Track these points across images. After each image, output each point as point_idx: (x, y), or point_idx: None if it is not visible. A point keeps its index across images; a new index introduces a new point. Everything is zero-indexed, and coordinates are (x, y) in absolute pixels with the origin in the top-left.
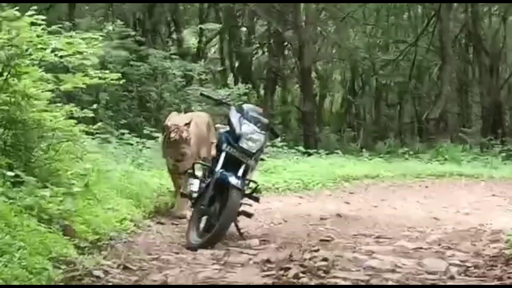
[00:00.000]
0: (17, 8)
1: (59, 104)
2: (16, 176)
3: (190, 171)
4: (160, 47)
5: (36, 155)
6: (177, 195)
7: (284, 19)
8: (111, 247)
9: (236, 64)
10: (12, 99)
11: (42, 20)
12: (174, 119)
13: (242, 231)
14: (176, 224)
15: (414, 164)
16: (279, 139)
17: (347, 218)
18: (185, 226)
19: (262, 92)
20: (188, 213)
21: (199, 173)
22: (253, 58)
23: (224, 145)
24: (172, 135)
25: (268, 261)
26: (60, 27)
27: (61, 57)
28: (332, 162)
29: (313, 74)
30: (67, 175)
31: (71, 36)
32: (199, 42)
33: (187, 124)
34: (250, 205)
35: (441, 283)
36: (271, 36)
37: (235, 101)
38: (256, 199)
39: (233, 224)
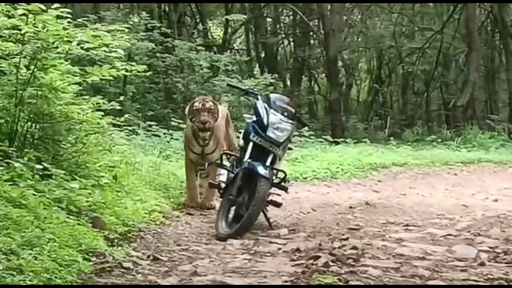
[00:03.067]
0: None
1: (86, 97)
2: (45, 169)
3: (218, 161)
4: (186, 38)
5: (64, 148)
6: (189, 187)
7: (310, 8)
8: (141, 238)
9: (262, 55)
10: (39, 93)
11: (68, 13)
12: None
13: (271, 220)
14: (205, 215)
15: (442, 152)
16: (306, 128)
17: (375, 207)
18: (214, 216)
19: (288, 82)
20: (217, 203)
21: (226, 163)
22: (279, 48)
23: (252, 135)
24: (196, 104)
25: (297, 250)
26: (85, 20)
27: (87, 49)
28: (359, 151)
29: (339, 63)
30: (95, 167)
31: (96, 29)
32: (225, 33)
33: (213, 97)
34: (278, 194)
35: (472, 270)
36: (296, 26)
37: (262, 91)
38: (285, 189)
39: (262, 214)
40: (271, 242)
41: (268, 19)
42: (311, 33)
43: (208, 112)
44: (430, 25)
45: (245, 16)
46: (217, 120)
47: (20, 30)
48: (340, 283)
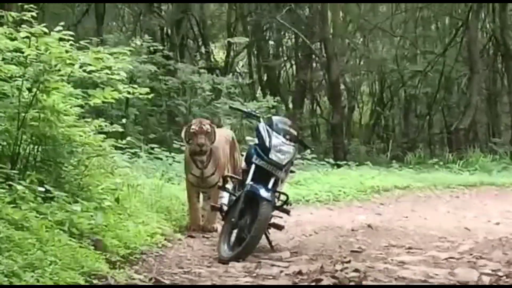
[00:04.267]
0: (45, 24)
1: (88, 119)
2: (47, 191)
3: (219, 184)
4: (188, 61)
5: (66, 170)
6: (191, 210)
7: (312, 31)
8: (143, 261)
9: (264, 78)
10: (42, 115)
11: (70, 36)
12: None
13: (273, 243)
14: (207, 237)
15: (444, 175)
16: (308, 151)
17: (378, 229)
18: (216, 239)
19: (290, 105)
20: (219, 226)
21: (229, 186)
22: (281, 71)
23: (254, 158)
24: (193, 127)
25: (299, 273)
26: (88, 43)
27: (89, 72)
28: (361, 174)
29: (342, 86)
30: (98, 190)
31: (99, 51)
32: (227, 56)
33: (209, 120)
34: (280, 217)
35: None
36: (298, 49)
37: (264, 114)
38: (287, 212)
39: (264, 236)
40: (273, 265)
41: (271, 42)
42: (313, 56)
43: (205, 135)
44: (432, 48)
45: (248, 39)
46: (214, 142)
47: (22, 52)
48: None
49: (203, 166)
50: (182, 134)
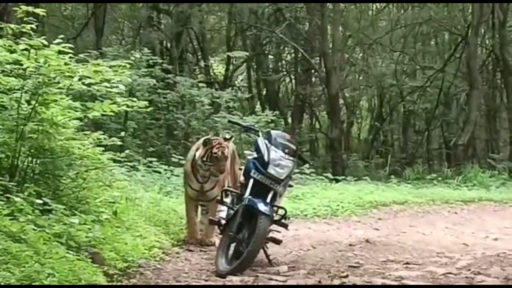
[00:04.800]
0: (44, 37)
1: (87, 132)
2: (45, 204)
3: (218, 198)
4: (187, 75)
5: (65, 183)
6: (189, 223)
7: (311, 46)
8: (140, 274)
9: (264, 92)
10: (40, 128)
11: (70, 48)
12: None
13: (270, 257)
14: (205, 251)
15: (443, 190)
16: (307, 165)
17: (375, 244)
18: (213, 253)
19: (289, 119)
20: (217, 240)
21: (227, 200)
22: (280, 86)
23: (252, 172)
24: (215, 150)
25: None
26: (87, 56)
27: (88, 85)
28: (360, 189)
29: (341, 101)
30: (96, 202)
31: (98, 64)
32: (226, 70)
33: (228, 140)
34: (278, 231)
35: None
36: (298, 63)
37: (263, 129)
38: (285, 226)
39: (261, 250)
40: (270, 279)
41: (270, 57)
42: (313, 70)
43: (226, 160)
44: (431, 63)
45: (247, 53)
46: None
47: (21, 65)
48: None
49: (204, 181)
50: (198, 152)
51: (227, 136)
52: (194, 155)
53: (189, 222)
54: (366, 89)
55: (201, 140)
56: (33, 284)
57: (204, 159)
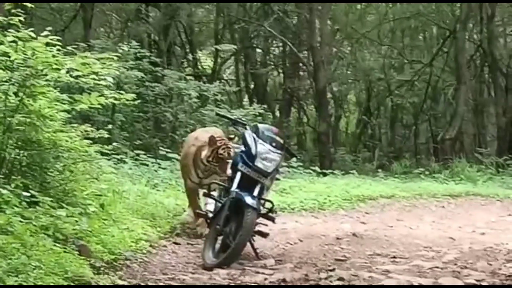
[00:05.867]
0: (32, 29)
1: (74, 125)
2: (32, 196)
3: (205, 191)
4: (175, 68)
5: (52, 175)
6: (194, 204)
7: (299, 39)
8: (127, 267)
9: (252, 85)
10: (28, 120)
11: (57, 41)
12: (204, 134)
13: (257, 250)
14: (192, 244)
15: (430, 184)
16: (294, 159)
17: (362, 238)
18: (200, 246)
19: (277, 113)
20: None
21: (215, 193)
22: (268, 79)
23: (240, 165)
24: (221, 151)
25: (284, 280)
26: (75, 48)
27: (76, 77)
28: (347, 183)
29: (329, 95)
30: (83, 195)
31: (86, 57)
32: (214, 63)
33: (232, 139)
34: (265, 225)
35: None
36: (286, 57)
37: (251, 122)
38: (272, 219)
39: (248, 243)
40: (257, 272)
41: (258, 50)
42: (301, 64)
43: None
44: (419, 58)
45: (235, 47)
46: None
47: (9, 57)
48: None
49: (204, 176)
50: (204, 152)
51: (231, 136)
52: (196, 152)
53: (193, 203)
54: (354, 83)
55: (203, 136)
56: (19, 276)
57: (210, 159)
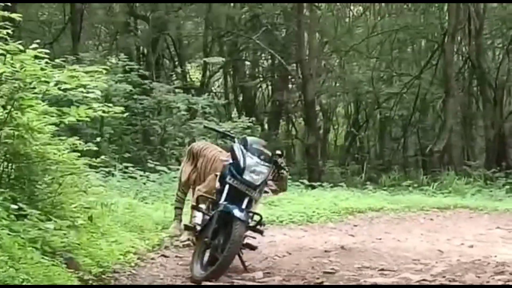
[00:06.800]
0: (21, 42)
1: (62, 138)
2: (20, 209)
3: (193, 203)
4: (164, 81)
5: (40, 188)
6: None
7: (288, 52)
8: (115, 280)
9: (240, 98)
10: (16, 133)
11: (46, 53)
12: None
13: (246, 263)
14: (180, 257)
15: (418, 197)
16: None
17: (351, 251)
18: (189, 259)
19: (266, 125)
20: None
21: (203, 205)
22: (257, 92)
23: (228, 178)
24: (281, 170)
25: None
26: (63, 61)
27: (64, 90)
28: (336, 195)
29: (317, 108)
30: (71, 208)
31: (74, 70)
32: (203, 75)
33: (281, 156)
34: (254, 237)
35: None
36: (274, 69)
37: (239, 135)
38: (260, 232)
39: (237, 256)
40: (246, 285)
41: (247, 63)
42: (289, 77)
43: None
44: (408, 70)
45: (224, 59)
46: None
47: None
48: None
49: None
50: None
51: (278, 152)
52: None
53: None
54: (343, 96)
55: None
56: None
57: (270, 177)
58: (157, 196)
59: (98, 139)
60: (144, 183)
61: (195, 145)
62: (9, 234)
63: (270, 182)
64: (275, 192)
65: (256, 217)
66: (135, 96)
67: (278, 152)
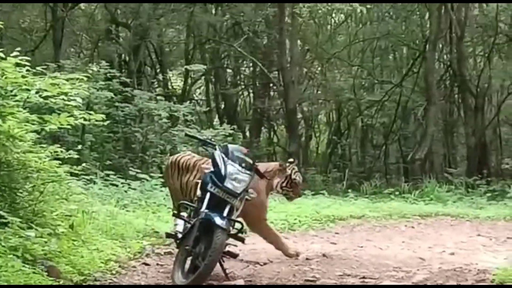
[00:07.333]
0: (2, 49)
1: (44, 145)
2: (1, 217)
3: (175, 211)
4: (145, 88)
5: (21, 196)
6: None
7: (269, 60)
8: None
9: (222, 105)
10: None
11: (27, 61)
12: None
13: (227, 271)
14: (161, 265)
15: (400, 204)
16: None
17: (332, 259)
18: (170, 267)
19: (247, 133)
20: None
21: (184, 213)
22: (239, 99)
23: (209, 185)
24: (294, 176)
25: None
26: (45, 69)
27: (45, 98)
28: (317, 203)
29: (299, 115)
30: (52, 216)
31: (55, 77)
32: (185, 83)
33: (292, 163)
34: (235, 245)
35: None
36: (256, 77)
37: (221, 142)
38: (241, 240)
39: (218, 264)
40: None
41: (228, 70)
42: (271, 84)
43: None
44: (389, 78)
45: (205, 67)
46: None
47: None
48: None
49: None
50: (277, 180)
51: (291, 160)
52: (267, 186)
53: (279, 240)
54: (324, 103)
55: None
56: None
57: (284, 185)
58: (139, 203)
59: (80, 146)
60: (126, 191)
61: (180, 158)
62: None
63: (251, 190)
64: (290, 198)
65: (238, 225)
66: (117, 104)
67: (291, 160)
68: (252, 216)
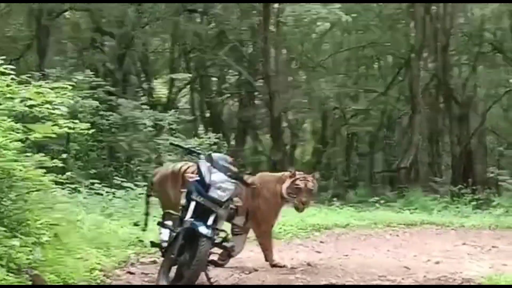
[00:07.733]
0: None
1: (28, 154)
2: None
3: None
4: (130, 97)
5: (5, 204)
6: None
7: (255, 68)
8: None
9: (207, 114)
10: None
11: (12, 70)
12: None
13: (212, 280)
14: (146, 274)
15: (385, 213)
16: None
17: (318, 267)
18: (155, 275)
19: (232, 141)
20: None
21: (169, 222)
22: (224, 108)
23: (194, 194)
24: (298, 182)
25: None
26: (29, 77)
27: (30, 106)
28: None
29: (284, 124)
30: (37, 224)
31: (40, 86)
32: (170, 92)
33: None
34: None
35: None
36: (241, 85)
37: (206, 151)
38: (226, 249)
39: (203, 273)
40: None
41: (213, 79)
42: (256, 93)
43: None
44: (374, 87)
45: (190, 75)
46: None
47: None
48: None
49: None
50: (285, 187)
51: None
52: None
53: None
54: (310, 112)
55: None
56: None
57: (289, 191)
58: (123, 212)
59: (64, 155)
60: (110, 200)
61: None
62: None
63: (236, 199)
64: (297, 208)
65: (222, 234)
66: (102, 112)
67: (315, 173)
68: (261, 214)
